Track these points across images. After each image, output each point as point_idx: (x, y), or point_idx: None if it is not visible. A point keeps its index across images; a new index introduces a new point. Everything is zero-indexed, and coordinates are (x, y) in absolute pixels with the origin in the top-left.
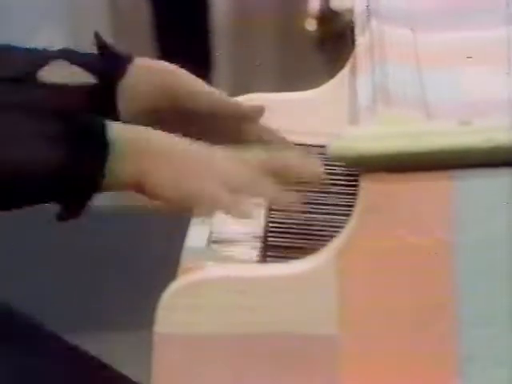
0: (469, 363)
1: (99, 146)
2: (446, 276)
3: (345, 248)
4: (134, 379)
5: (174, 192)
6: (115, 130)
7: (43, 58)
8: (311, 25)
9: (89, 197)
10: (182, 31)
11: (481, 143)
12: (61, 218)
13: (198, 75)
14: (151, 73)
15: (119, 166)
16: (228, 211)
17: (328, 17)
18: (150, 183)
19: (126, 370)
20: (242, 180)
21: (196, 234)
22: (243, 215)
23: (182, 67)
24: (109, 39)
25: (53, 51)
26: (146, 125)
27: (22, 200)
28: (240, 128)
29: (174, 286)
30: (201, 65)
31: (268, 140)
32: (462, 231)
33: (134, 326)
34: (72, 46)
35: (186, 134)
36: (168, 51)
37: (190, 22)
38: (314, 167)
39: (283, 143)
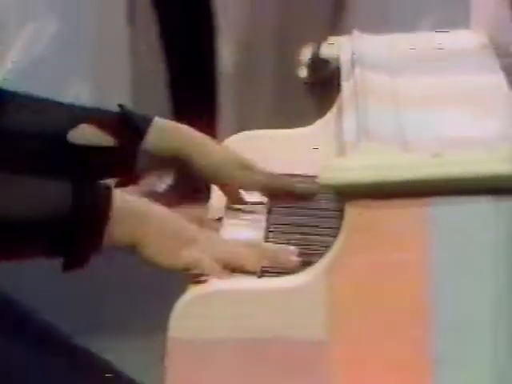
0: (442, 366)
1: (103, 210)
2: (422, 288)
3: (332, 265)
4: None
5: (162, 256)
6: (118, 198)
7: (75, 118)
8: (303, 72)
9: (90, 252)
10: (193, 80)
11: (452, 173)
12: (65, 268)
13: (206, 117)
14: (166, 134)
15: (117, 229)
16: (209, 273)
17: (317, 64)
18: (141, 247)
19: (134, 374)
20: (225, 250)
21: None
22: (221, 277)
23: (192, 110)
24: (129, 90)
25: (85, 110)
26: (158, 170)
27: (27, 249)
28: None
29: (186, 297)
30: (208, 108)
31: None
32: (437, 250)
33: (140, 332)
34: (96, 100)
35: (186, 181)
36: (180, 99)
37: (200, 72)
38: (289, 257)
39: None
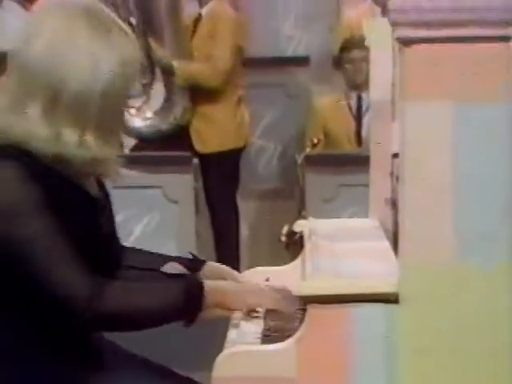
0: None
1: (201, 293)
2: (347, 353)
3: (300, 338)
4: None
5: (239, 306)
6: (208, 284)
7: (165, 259)
8: (283, 238)
9: (197, 316)
10: (224, 241)
11: (363, 290)
12: (185, 325)
13: (233, 259)
14: (214, 268)
15: (209, 300)
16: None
17: (291, 235)
18: (226, 306)
19: None
20: (258, 301)
21: (231, 334)
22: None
23: (227, 258)
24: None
25: (171, 256)
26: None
27: (154, 326)
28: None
29: (223, 354)
30: (234, 256)
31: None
32: (356, 330)
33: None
34: (180, 253)
35: None
36: (222, 253)
37: (230, 239)
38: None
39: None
